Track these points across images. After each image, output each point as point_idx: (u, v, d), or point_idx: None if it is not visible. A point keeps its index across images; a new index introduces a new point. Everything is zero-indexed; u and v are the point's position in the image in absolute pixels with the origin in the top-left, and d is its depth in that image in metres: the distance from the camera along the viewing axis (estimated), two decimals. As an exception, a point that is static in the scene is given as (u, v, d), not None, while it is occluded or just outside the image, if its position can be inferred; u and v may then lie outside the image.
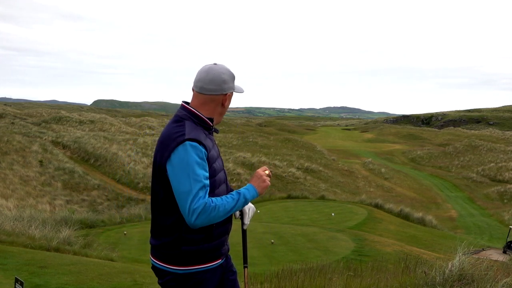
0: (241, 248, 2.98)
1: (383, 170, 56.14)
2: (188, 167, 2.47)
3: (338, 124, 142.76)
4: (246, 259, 2.94)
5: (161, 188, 2.59)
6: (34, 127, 49.32)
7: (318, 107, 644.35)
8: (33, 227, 11.77)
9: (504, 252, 21.15)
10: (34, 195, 26.69)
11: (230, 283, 2.83)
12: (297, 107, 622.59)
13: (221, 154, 2.87)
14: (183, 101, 2.74)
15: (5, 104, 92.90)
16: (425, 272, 5.07)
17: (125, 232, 16.15)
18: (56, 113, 66.56)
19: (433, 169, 62.92)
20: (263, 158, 46.23)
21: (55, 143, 38.86)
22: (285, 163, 46.60)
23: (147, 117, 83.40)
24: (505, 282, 4.61)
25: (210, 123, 2.70)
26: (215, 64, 2.70)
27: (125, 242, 14.82)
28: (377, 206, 26.69)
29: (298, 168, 46.12)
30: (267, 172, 2.76)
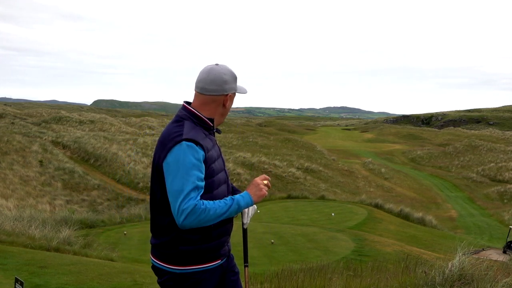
0: (241, 248, 2.98)
1: (383, 170, 56.15)
2: (182, 167, 2.46)
3: (338, 124, 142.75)
4: (246, 258, 2.94)
5: (158, 187, 2.59)
6: (34, 127, 49.32)
7: (318, 107, 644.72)
8: (33, 227, 11.77)
9: (504, 252, 21.14)
10: (34, 195, 26.69)
11: (232, 284, 2.82)
12: (297, 107, 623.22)
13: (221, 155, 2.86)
14: (184, 101, 2.74)
15: (5, 104, 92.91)
16: (425, 272, 5.07)
17: (125, 232, 16.15)
18: (56, 113, 66.55)
19: (433, 169, 62.92)
20: (263, 158, 46.22)
21: (55, 143, 38.86)
22: (285, 163, 46.60)
23: (147, 117, 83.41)
24: (505, 282, 4.61)
25: (211, 123, 2.69)
26: (216, 64, 2.69)
27: (125, 242, 14.82)
28: (377, 206, 26.69)
29: (298, 168, 46.12)
30: (265, 182, 2.72)
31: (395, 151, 74.82)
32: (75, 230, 12.76)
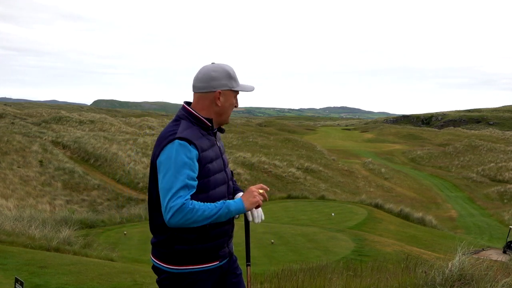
0: (242, 247, 2.97)
1: (383, 170, 56.15)
2: (173, 165, 2.46)
3: (338, 124, 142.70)
4: (249, 257, 2.90)
5: (154, 186, 2.60)
6: (34, 127, 49.30)
7: (318, 107, 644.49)
8: (33, 227, 11.78)
9: (504, 252, 21.14)
10: (34, 195, 26.69)
11: (233, 286, 2.80)
12: (297, 107, 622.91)
13: None
14: (184, 102, 2.75)
15: (5, 104, 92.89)
16: (425, 272, 5.07)
17: (125, 232, 16.14)
18: (56, 113, 66.54)
19: (433, 169, 62.92)
20: (263, 158, 46.21)
21: (55, 143, 38.86)
22: (285, 163, 46.61)
23: (147, 117, 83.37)
24: (505, 282, 4.61)
25: (209, 123, 2.67)
26: (212, 63, 2.70)
27: (125, 242, 14.82)
28: (377, 206, 26.68)
29: (298, 168, 46.12)
30: (261, 190, 2.68)
31: (395, 151, 74.82)
32: (75, 230, 12.77)
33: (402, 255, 9.91)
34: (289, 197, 29.39)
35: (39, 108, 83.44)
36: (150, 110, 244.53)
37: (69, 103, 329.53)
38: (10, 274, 6.50)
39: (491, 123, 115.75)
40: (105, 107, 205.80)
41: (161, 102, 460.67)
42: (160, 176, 2.50)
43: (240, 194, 2.84)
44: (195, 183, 2.51)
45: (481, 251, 20.63)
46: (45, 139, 39.59)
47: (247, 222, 2.88)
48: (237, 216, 2.69)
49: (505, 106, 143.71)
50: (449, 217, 39.31)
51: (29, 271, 6.88)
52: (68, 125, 56.95)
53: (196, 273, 2.60)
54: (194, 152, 2.52)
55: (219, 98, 2.67)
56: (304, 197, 29.50)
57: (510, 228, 23.76)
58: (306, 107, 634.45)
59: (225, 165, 2.77)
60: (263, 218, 2.81)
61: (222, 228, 2.66)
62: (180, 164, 2.46)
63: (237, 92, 2.74)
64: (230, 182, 2.82)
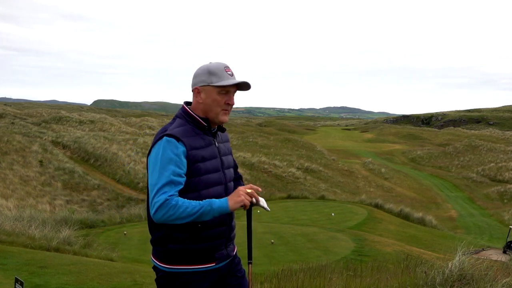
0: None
1: (383, 170, 56.16)
2: (160, 161, 2.49)
3: (338, 124, 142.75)
4: (250, 255, 2.87)
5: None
6: (34, 127, 49.29)
7: (318, 107, 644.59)
8: (33, 227, 11.78)
9: (504, 252, 21.15)
10: (34, 195, 26.70)
11: None
12: (297, 107, 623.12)
13: None
14: (184, 102, 2.78)
15: (5, 104, 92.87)
16: (425, 272, 5.06)
17: (125, 232, 16.15)
18: (56, 113, 66.53)
19: (433, 169, 62.93)
20: (263, 158, 46.23)
21: (55, 143, 38.86)
22: (285, 163, 46.62)
23: (147, 117, 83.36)
24: (505, 282, 4.62)
25: (204, 123, 2.67)
26: (210, 63, 2.72)
27: (125, 242, 14.82)
28: (377, 206, 26.69)
29: (298, 168, 46.14)
30: (249, 190, 2.63)
31: (395, 151, 74.83)
32: (75, 230, 12.77)
33: (402, 255, 9.91)
34: (289, 197, 29.40)
35: (39, 108, 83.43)
36: (150, 110, 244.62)
37: (69, 103, 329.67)
38: (10, 274, 6.50)
39: (491, 123, 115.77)
40: (105, 107, 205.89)
41: (161, 102, 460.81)
42: (148, 172, 2.55)
43: None
44: (182, 179, 2.51)
45: (481, 251, 20.63)
46: (45, 139, 39.60)
47: (249, 220, 2.86)
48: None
49: (505, 106, 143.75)
50: (449, 217, 39.32)
51: (29, 271, 6.88)
52: (68, 125, 56.94)
53: (190, 274, 2.59)
54: (181, 149, 2.53)
55: (199, 94, 2.68)
56: (304, 197, 29.51)
57: (510, 228, 23.76)
58: (306, 107, 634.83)
59: (224, 166, 2.76)
60: (267, 208, 2.83)
61: (216, 229, 2.64)
62: (166, 160, 2.49)
63: (222, 88, 2.65)
64: (230, 184, 2.80)
